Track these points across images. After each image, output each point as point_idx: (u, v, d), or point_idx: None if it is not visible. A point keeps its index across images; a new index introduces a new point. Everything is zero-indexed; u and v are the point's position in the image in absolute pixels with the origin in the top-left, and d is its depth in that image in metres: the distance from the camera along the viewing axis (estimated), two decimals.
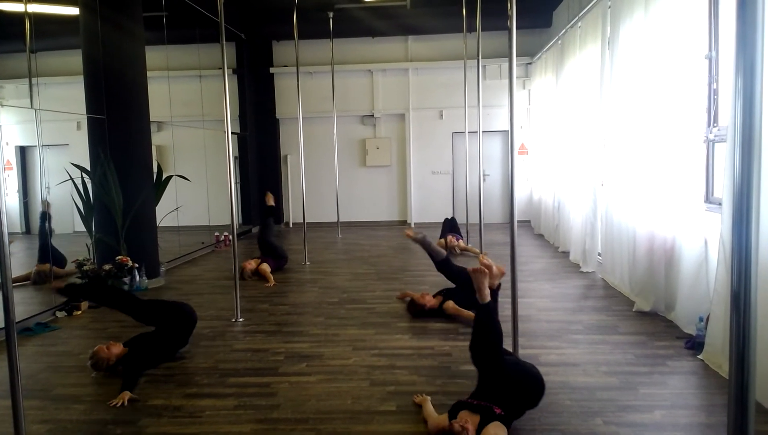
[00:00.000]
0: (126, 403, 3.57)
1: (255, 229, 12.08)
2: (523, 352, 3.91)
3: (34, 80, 6.04)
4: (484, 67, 11.03)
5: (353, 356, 4.32)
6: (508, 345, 4.18)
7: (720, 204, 3.97)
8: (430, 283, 6.65)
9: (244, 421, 3.31)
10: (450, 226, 9.24)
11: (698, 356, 4.03)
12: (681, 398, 3.43)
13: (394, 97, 12.24)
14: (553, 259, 7.92)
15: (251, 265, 7.29)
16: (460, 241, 8.71)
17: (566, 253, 8.12)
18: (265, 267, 7.19)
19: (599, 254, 6.90)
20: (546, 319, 5.14)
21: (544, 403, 3.31)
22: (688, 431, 2.98)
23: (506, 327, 4.72)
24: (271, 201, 8.07)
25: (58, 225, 7.96)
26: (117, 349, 4.18)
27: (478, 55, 6.51)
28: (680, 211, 4.63)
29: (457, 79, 11.20)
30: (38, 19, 6.35)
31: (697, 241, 4.45)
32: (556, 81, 9.03)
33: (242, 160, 11.90)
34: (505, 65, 11.27)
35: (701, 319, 4.16)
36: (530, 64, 11.54)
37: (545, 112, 10.02)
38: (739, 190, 1.61)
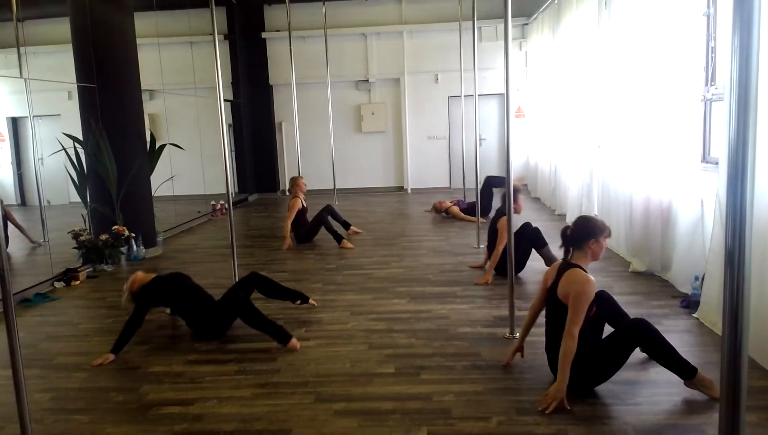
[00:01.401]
0: (105, 363, 3.72)
1: (251, 198, 12.08)
2: (519, 314, 3.94)
3: (22, 49, 5.94)
4: (479, 28, 10.87)
5: (351, 321, 4.36)
6: (505, 308, 4.25)
7: (717, 163, 3.96)
8: (427, 247, 6.69)
9: (244, 385, 3.35)
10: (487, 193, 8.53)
11: (693, 315, 4.08)
12: None
13: (389, 62, 12.07)
14: (550, 222, 7.93)
15: (298, 202, 7.27)
16: (453, 207, 8.62)
17: (563, 216, 8.13)
18: (288, 225, 7.16)
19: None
20: (541, 280, 5.16)
21: (538, 362, 3.36)
22: (683, 388, 3.03)
23: (503, 289, 4.80)
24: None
25: (53, 196, 7.94)
26: (142, 275, 4.23)
27: (473, 17, 6.40)
28: (677, 171, 4.62)
29: (452, 41, 11.05)
30: None
31: (693, 201, 4.46)
32: (552, 41, 8.91)
33: (236, 128, 11.80)
34: (501, 26, 11.07)
35: (696, 279, 4.20)
36: (527, 24, 11.38)
37: (542, 74, 9.91)
38: (735, 148, 1.61)
